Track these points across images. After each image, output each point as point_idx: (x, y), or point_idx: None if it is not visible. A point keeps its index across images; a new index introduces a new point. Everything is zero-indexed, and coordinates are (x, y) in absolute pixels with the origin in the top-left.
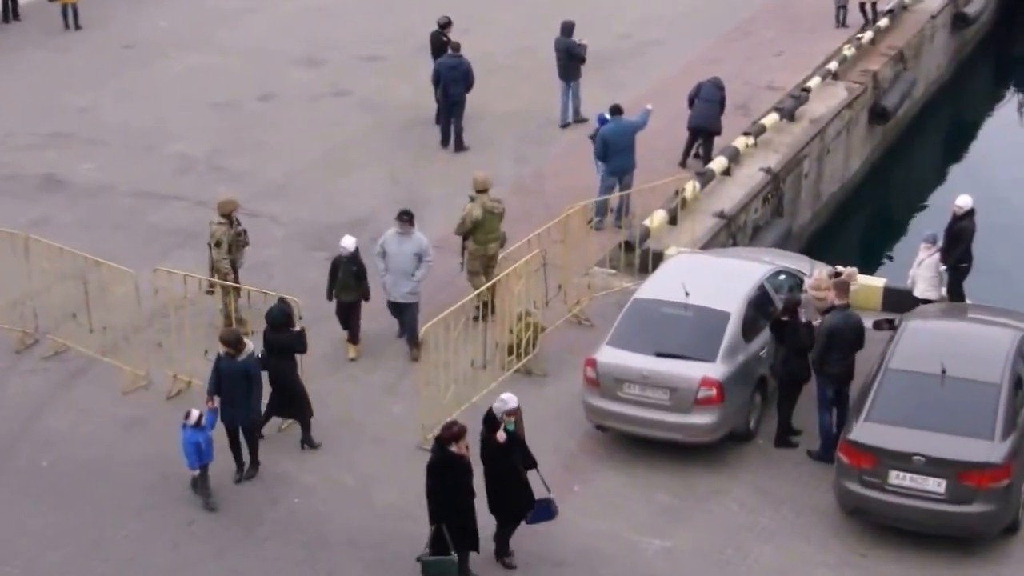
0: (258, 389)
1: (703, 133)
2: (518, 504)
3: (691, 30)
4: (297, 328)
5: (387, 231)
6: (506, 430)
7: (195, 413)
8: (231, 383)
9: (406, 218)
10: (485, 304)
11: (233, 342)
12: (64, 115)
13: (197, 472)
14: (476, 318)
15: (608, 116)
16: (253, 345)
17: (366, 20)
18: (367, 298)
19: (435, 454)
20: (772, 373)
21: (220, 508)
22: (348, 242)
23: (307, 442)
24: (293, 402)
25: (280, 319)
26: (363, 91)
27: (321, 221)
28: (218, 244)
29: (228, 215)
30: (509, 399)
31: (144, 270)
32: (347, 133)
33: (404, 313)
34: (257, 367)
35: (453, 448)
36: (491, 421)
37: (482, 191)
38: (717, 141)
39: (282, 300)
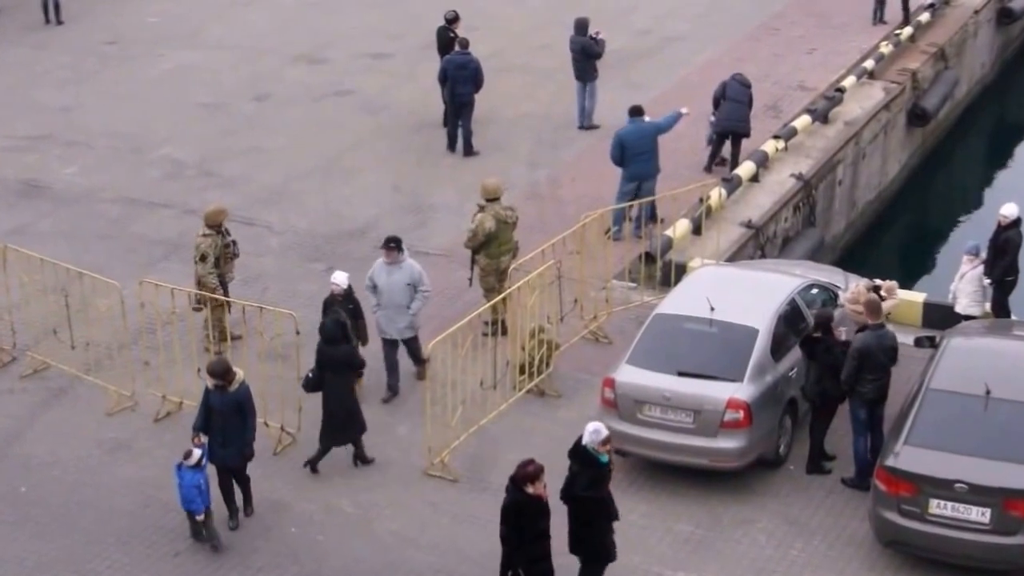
0: (252, 422)
1: (732, 136)
2: (610, 543)
3: (715, 26)
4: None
5: (376, 261)
6: (600, 461)
7: (196, 453)
8: (223, 419)
9: (392, 246)
10: (495, 320)
11: (222, 372)
12: (44, 116)
13: (202, 516)
14: (486, 334)
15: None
16: (243, 373)
17: (369, 15)
18: (365, 342)
19: (509, 496)
20: (803, 394)
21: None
22: (340, 278)
23: (361, 459)
24: (347, 423)
25: (335, 332)
26: (365, 91)
27: (319, 231)
28: (203, 258)
29: (217, 226)
30: (600, 428)
31: (130, 282)
32: (348, 136)
33: (408, 348)
34: (250, 397)
35: (529, 489)
36: (583, 455)
37: (493, 199)
38: (744, 144)
39: (334, 311)
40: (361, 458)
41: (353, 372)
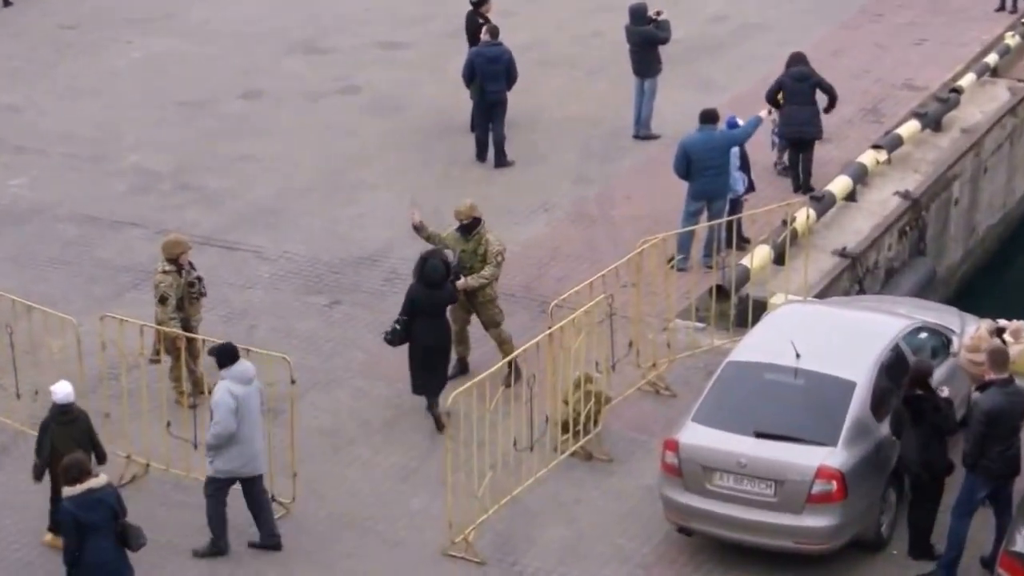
0: (121, 523)
1: (801, 144)
2: None
3: (805, 12)
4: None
5: None
6: None
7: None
8: (90, 527)
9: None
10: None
11: (76, 473)
12: None
13: None
14: (509, 385)
15: (737, 119)
16: (107, 477)
17: None
18: (102, 459)
19: None
20: (902, 465)
21: None
22: (62, 391)
23: (440, 423)
24: (440, 368)
25: (440, 272)
26: (378, 88)
27: (321, 257)
28: (163, 301)
29: (176, 260)
30: None
31: (89, 318)
32: (356, 143)
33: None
34: (118, 497)
35: None
36: None
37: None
38: (831, 151)
39: (435, 251)
40: (439, 417)
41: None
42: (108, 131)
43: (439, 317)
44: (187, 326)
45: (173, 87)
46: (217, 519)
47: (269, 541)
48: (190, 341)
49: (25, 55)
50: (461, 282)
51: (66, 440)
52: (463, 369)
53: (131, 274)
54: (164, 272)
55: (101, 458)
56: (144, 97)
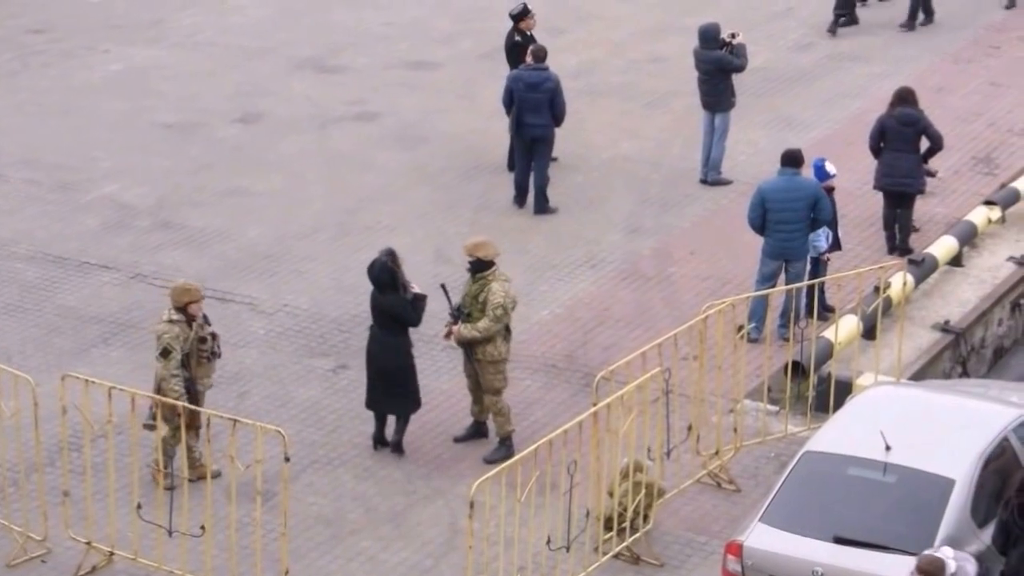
0: None
1: (900, 199)
2: None
3: (905, 41)
4: (415, 289)
5: None
6: None
7: None
8: None
9: None
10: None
11: None
12: None
13: None
14: (460, 439)
15: (827, 164)
16: None
17: (411, 7)
18: None
19: None
20: None
21: None
22: None
23: (397, 447)
24: (395, 388)
25: (382, 277)
26: (400, 115)
27: (327, 312)
28: (165, 354)
29: (185, 308)
30: None
31: (48, 376)
32: (371, 178)
33: None
34: None
35: None
36: None
37: (491, 264)
38: (932, 207)
39: (389, 253)
40: (396, 443)
41: (405, 328)
42: (78, 156)
43: (386, 328)
44: (192, 390)
45: (157, 107)
46: None
47: None
48: (192, 413)
49: None
50: (456, 328)
51: None
52: (478, 432)
53: (100, 326)
54: (170, 321)
55: None
56: (122, 117)
